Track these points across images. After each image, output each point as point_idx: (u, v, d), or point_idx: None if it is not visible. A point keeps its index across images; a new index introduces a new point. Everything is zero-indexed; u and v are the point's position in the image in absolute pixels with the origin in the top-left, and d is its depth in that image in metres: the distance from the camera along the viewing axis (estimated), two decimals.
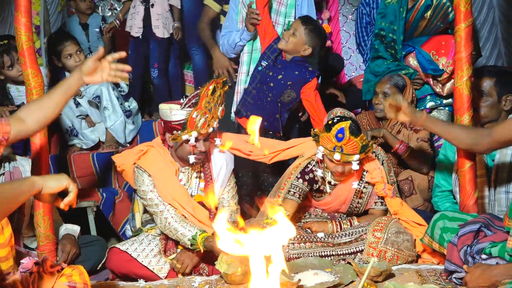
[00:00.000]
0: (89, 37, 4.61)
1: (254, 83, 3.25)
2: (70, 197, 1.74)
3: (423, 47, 3.22)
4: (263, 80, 3.19)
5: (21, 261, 1.91)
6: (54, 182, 1.68)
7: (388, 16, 3.43)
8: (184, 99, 2.57)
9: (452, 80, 2.92)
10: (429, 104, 3.36)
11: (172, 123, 2.54)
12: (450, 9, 3.21)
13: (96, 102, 3.77)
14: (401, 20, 3.36)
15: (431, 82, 3.32)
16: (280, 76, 3.16)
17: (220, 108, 2.60)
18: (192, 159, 2.56)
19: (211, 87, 2.52)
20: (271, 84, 3.18)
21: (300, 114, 3.39)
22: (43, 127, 2.27)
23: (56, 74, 3.86)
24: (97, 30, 4.68)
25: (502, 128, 2.21)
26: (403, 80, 3.17)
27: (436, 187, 2.84)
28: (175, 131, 2.53)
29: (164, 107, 2.58)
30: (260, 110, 3.19)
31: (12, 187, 1.61)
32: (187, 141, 2.53)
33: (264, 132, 3.17)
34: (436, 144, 3.32)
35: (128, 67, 2.27)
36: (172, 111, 2.53)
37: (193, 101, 2.52)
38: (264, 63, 3.20)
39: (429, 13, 3.30)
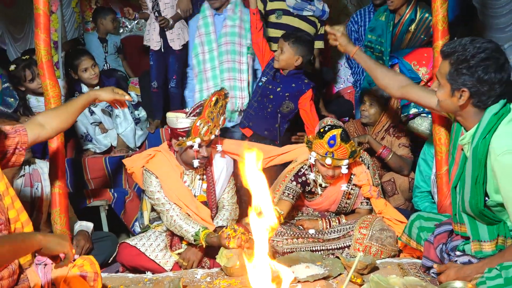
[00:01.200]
0: (106, 49, 4.63)
1: (255, 97, 3.29)
2: (64, 263, 1.69)
3: (406, 57, 3.21)
4: (263, 93, 3.23)
5: (37, 253, 1.91)
6: (54, 246, 1.63)
7: (376, 30, 3.46)
8: (189, 108, 2.59)
9: None
10: (413, 110, 3.32)
11: (178, 130, 2.55)
12: (432, 23, 3.22)
13: (108, 111, 3.78)
14: (388, 34, 3.38)
15: None
16: (278, 89, 3.19)
17: (222, 118, 2.61)
18: (196, 163, 2.58)
19: (214, 99, 2.54)
20: (271, 97, 3.21)
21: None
22: (59, 133, 2.32)
23: (73, 85, 3.89)
24: (116, 45, 4.71)
25: (414, 88, 2.32)
26: None
27: (416, 188, 2.86)
28: (181, 138, 2.54)
29: (171, 116, 2.60)
30: (261, 121, 3.24)
31: (15, 241, 1.56)
32: (191, 146, 2.54)
33: (263, 139, 3.20)
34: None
35: (128, 97, 2.45)
36: (178, 119, 2.55)
37: (197, 110, 2.54)
38: (264, 79, 3.26)
39: (413, 26, 3.32)
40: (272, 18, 3.53)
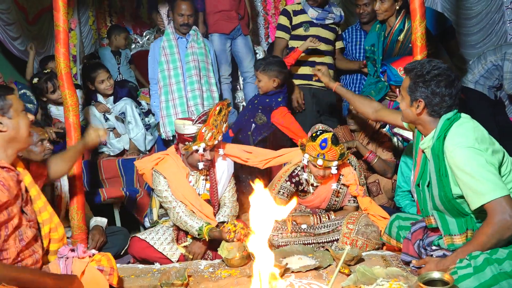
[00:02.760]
0: (119, 61, 4.64)
1: (244, 108, 3.34)
2: None
3: (394, 64, 3.19)
4: (247, 104, 3.32)
5: (59, 249, 1.92)
6: None
7: (369, 40, 3.45)
8: (195, 116, 2.59)
9: None
10: None
11: (185, 135, 2.54)
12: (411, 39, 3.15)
13: (121, 118, 3.77)
14: (379, 43, 3.34)
15: (397, 93, 3.24)
16: (256, 101, 3.28)
17: (225, 125, 2.61)
18: (200, 165, 2.57)
19: (218, 108, 2.53)
20: (249, 107, 3.31)
21: None
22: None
23: (89, 95, 3.88)
24: (127, 57, 4.72)
25: (386, 111, 2.52)
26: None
27: (398, 188, 2.85)
28: (187, 142, 2.53)
29: (178, 122, 2.59)
30: (238, 125, 3.32)
31: (26, 277, 1.67)
32: (197, 150, 2.53)
33: (239, 142, 3.21)
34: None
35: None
36: (185, 126, 2.54)
37: (203, 118, 2.53)
38: (255, 93, 3.35)
39: (401, 36, 3.26)
40: (301, 31, 3.54)
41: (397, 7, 3.22)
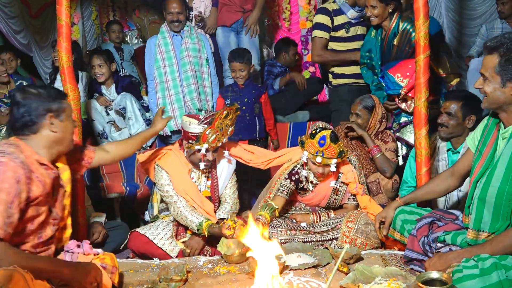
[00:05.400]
0: (122, 56, 4.64)
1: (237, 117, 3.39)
2: None
3: (391, 70, 3.08)
4: (239, 114, 3.28)
5: (68, 243, 1.96)
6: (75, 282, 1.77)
7: (366, 46, 3.37)
8: (202, 116, 2.58)
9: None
10: (403, 119, 3.21)
11: (189, 133, 2.54)
12: (413, 34, 2.99)
13: (122, 112, 3.78)
14: (377, 48, 3.28)
15: (397, 101, 3.16)
16: (246, 99, 3.39)
17: (230, 128, 2.60)
18: (202, 165, 2.57)
19: (225, 112, 2.53)
20: (244, 108, 3.38)
21: None
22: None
23: (92, 88, 3.88)
24: (130, 53, 4.74)
25: (458, 164, 2.17)
26: (372, 101, 3.13)
27: (404, 183, 2.83)
28: (191, 141, 2.53)
29: (185, 119, 2.59)
30: (245, 129, 3.41)
31: (44, 267, 1.69)
32: (199, 150, 2.53)
33: (254, 141, 3.28)
34: (400, 154, 3.28)
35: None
36: (190, 124, 2.54)
37: (209, 119, 2.52)
38: (228, 101, 3.41)
39: (396, 40, 3.18)
40: (343, 33, 3.55)
41: (390, 10, 3.14)
